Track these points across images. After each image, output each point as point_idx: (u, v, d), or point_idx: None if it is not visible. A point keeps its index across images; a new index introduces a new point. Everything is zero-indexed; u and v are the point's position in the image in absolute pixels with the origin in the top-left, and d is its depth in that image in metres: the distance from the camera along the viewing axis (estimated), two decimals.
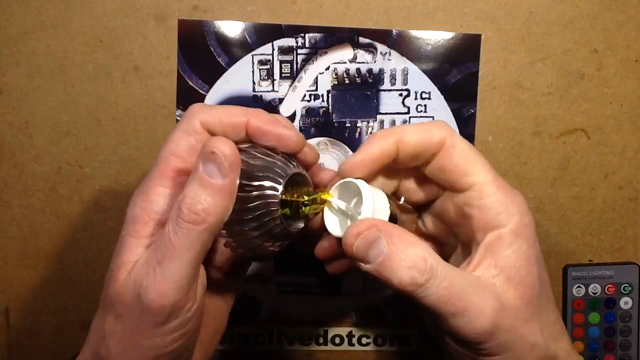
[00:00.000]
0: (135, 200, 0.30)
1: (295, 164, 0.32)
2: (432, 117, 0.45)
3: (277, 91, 0.45)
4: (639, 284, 0.47)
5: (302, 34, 0.44)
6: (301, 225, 0.33)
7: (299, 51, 0.45)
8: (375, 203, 0.30)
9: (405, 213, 0.34)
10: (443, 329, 0.29)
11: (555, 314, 0.32)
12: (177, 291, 0.27)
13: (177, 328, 0.29)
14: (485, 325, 0.28)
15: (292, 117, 0.45)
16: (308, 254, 0.35)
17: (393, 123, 0.45)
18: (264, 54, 0.45)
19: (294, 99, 0.45)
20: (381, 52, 0.45)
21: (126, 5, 0.44)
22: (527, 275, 0.30)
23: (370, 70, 0.45)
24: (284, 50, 0.45)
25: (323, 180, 0.35)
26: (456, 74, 0.45)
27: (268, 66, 0.45)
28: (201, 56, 0.44)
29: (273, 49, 0.45)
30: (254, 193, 0.29)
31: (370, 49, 0.45)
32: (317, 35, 0.44)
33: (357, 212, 0.31)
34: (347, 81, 0.45)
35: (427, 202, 0.35)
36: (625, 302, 0.47)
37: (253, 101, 0.45)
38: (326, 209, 0.32)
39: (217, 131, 0.31)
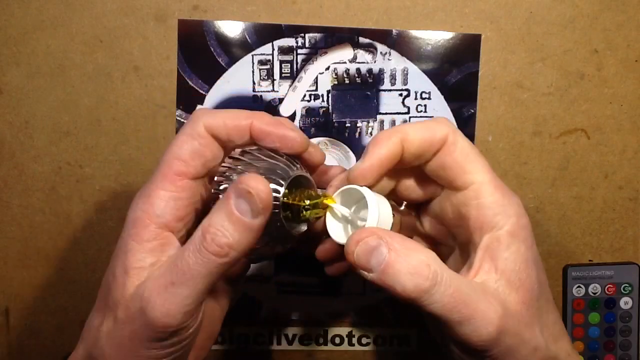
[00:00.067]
0: (137, 202, 0.30)
1: (298, 166, 0.31)
2: (432, 117, 0.45)
3: (277, 91, 0.45)
4: (639, 284, 0.47)
5: (302, 34, 0.44)
6: (304, 228, 0.32)
7: (299, 51, 0.45)
8: (380, 213, 0.30)
9: (405, 217, 0.34)
10: (449, 337, 0.29)
11: (555, 314, 0.32)
12: (184, 314, 0.28)
13: (176, 343, 0.29)
14: (492, 332, 0.28)
15: (292, 117, 0.45)
16: (309, 255, 0.35)
17: (393, 123, 0.45)
18: (264, 54, 0.45)
19: (294, 99, 0.45)
20: (381, 52, 0.45)
21: (126, 5, 0.44)
22: (526, 279, 0.30)
23: (370, 70, 0.45)
24: (284, 50, 0.45)
25: (330, 178, 0.34)
26: (456, 74, 0.45)
27: (268, 66, 0.45)
28: (201, 56, 0.44)
29: (273, 49, 0.45)
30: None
31: (370, 49, 0.45)
32: (317, 35, 0.44)
33: (358, 218, 0.32)
34: (347, 81, 0.45)
35: (425, 202, 0.35)
36: (625, 302, 0.47)
37: (253, 101, 0.45)
38: (328, 214, 0.32)
39: (221, 135, 0.31)
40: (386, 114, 0.45)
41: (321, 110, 0.45)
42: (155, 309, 0.27)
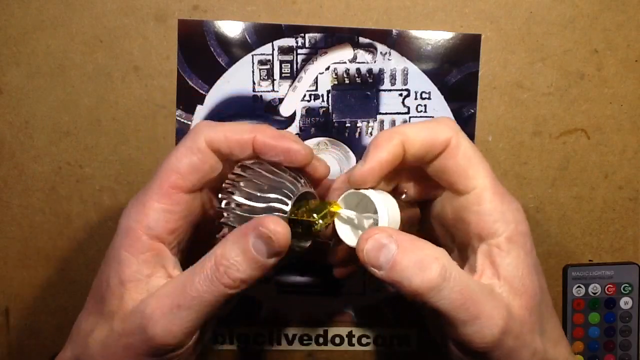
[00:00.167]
0: (130, 211, 0.30)
1: (303, 181, 0.31)
2: (432, 117, 0.45)
3: (277, 91, 0.45)
4: (639, 284, 0.47)
5: (302, 34, 0.44)
6: (309, 243, 0.33)
7: (299, 51, 0.45)
8: (389, 214, 0.30)
9: (408, 208, 0.34)
10: (450, 338, 0.29)
11: (555, 319, 0.32)
12: (185, 335, 0.28)
13: (172, 358, 0.29)
14: (495, 334, 0.28)
15: (292, 117, 0.45)
16: (319, 263, 0.35)
17: (393, 123, 0.45)
18: (264, 54, 0.45)
19: (294, 99, 0.45)
20: (381, 52, 0.45)
21: (126, 5, 0.44)
22: (530, 285, 0.30)
23: (370, 70, 0.45)
24: (284, 50, 0.45)
25: (334, 190, 0.34)
26: (456, 74, 0.45)
27: (268, 66, 0.45)
28: (201, 56, 0.44)
29: (273, 49, 0.45)
30: (262, 215, 0.29)
31: (370, 49, 0.45)
32: (317, 35, 0.44)
33: (363, 218, 0.32)
34: (347, 81, 0.45)
35: (426, 201, 0.35)
36: (625, 302, 0.47)
37: (253, 101, 0.45)
38: (336, 220, 0.32)
39: (222, 149, 0.31)
40: (386, 114, 0.45)
41: (321, 110, 0.45)
42: (157, 327, 0.27)
